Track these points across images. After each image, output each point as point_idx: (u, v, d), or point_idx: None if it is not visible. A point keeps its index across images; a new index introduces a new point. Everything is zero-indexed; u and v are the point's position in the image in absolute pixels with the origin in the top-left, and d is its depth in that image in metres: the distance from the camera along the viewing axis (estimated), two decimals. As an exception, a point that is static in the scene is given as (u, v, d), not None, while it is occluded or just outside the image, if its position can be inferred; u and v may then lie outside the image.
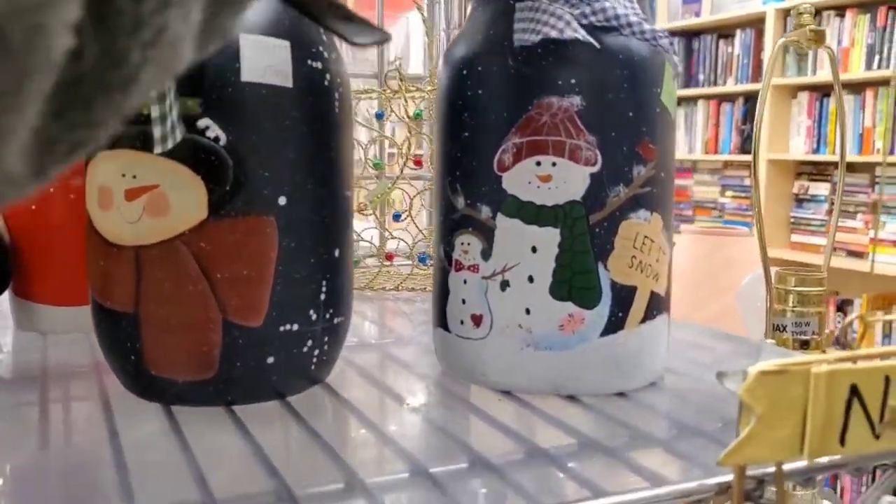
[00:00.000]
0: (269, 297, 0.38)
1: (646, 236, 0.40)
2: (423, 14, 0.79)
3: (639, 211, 0.40)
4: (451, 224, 0.43)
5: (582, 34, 0.38)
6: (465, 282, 0.42)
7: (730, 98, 3.31)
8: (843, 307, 2.85)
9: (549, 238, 0.40)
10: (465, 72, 0.42)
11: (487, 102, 0.41)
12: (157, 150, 0.34)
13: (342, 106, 0.40)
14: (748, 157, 3.16)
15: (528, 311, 0.40)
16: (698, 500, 0.30)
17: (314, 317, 0.40)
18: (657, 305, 0.42)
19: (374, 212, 0.68)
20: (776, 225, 3.06)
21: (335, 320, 0.41)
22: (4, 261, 0.52)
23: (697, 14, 3.37)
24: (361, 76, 0.78)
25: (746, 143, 3.25)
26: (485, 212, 0.41)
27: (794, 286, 0.67)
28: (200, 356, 0.37)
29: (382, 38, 0.31)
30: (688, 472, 0.33)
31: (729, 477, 0.31)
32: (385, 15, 0.89)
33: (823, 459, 0.33)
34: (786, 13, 2.99)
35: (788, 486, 0.51)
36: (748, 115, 3.28)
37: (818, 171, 3.07)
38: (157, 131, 0.34)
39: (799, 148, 3.03)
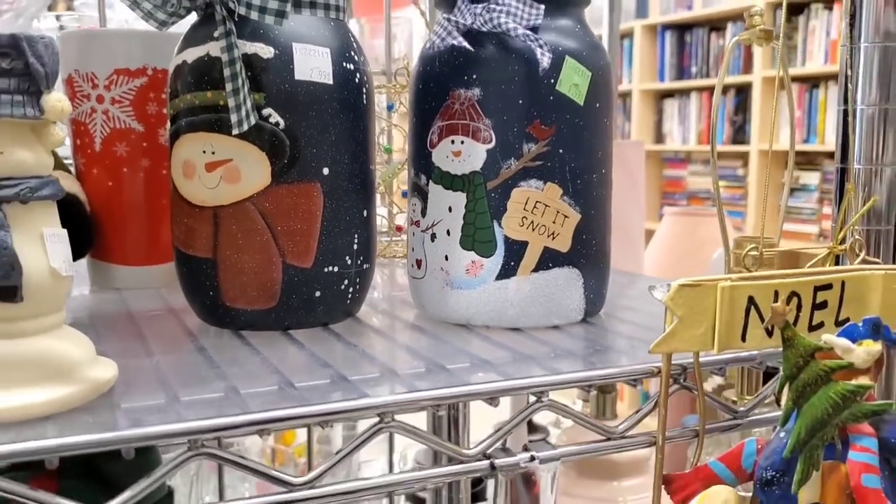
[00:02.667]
0: (317, 245, 0.49)
1: (538, 201, 0.50)
2: (424, 16, 0.90)
3: (530, 180, 0.50)
4: (410, 189, 0.55)
5: (458, 41, 0.49)
6: (413, 234, 0.55)
7: (722, 90, 3.42)
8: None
9: (459, 200, 0.51)
10: (418, 70, 0.54)
11: (425, 94, 0.53)
12: (235, 131, 0.46)
13: (368, 98, 0.52)
14: (742, 148, 3.27)
15: (446, 258, 0.52)
16: (635, 380, 0.42)
17: (349, 262, 0.51)
18: (554, 259, 0.51)
19: (385, 190, 0.79)
20: (768, 214, 3.16)
21: (364, 266, 0.53)
22: (88, 228, 0.63)
23: (690, 7, 3.47)
24: (373, 73, 0.89)
25: (739, 134, 3.36)
26: (422, 179, 0.53)
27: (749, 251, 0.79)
28: (265, 290, 0.49)
29: None
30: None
31: (659, 364, 0.42)
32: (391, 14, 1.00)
33: (732, 354, 0.44)
34: (776, 6, 3.10)
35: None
36: (740, 107, 3.38)
37: (808, 160, 3.17)
38: (234, 117, 0.46)
39: (789, 138, 3.14)
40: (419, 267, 0.54)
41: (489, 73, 0.50)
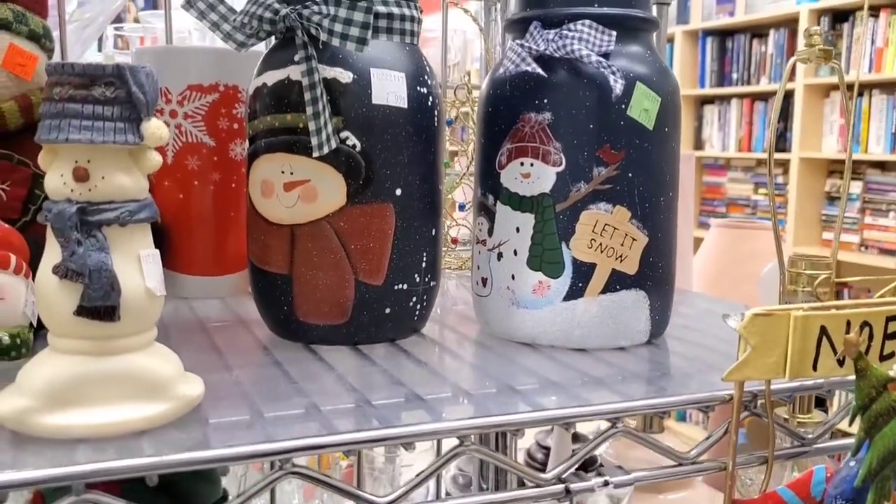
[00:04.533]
0: (388, 263, 0.50)
1: (607, 224, 0.51)
2: (477, 22, 0.91)
3: (599, 203, 0.50)
4: (476, 208, 0.56)
5: (532, 67, 0.50)
6: (479, 252, 0.55)
7: (763, 97, 3.39)
8: (872, 302, 2.91)
9: (527, 221, 0.52)
10: (487, 93, 0.55)
11: (494, 117, 0.53)
12: (316, 154, 0.47)
13: (439, 121, 0.53)
14: (783, 156, 3.24)
15: (513, 277, 0.53)
16: (707, 406, 0.42)
17: (418, 279, 0.52)
18: (622, 282, 0.51)
19: (447, 207, 0.80)
20: (808, 222, 3.13)
21: (431, 283, 0.54)
22: (159, 239, 0.65)
23: (731, 14, 3.44)
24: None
25: (780, 142, 3.32)
26: (490, 200, 0.54)
27: (805, 269, 0.79)
28: (338, 306, 0.50)
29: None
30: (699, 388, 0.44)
31: (731, 391, 0.42)
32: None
33: (805, 382, 0.45)
34: (820, 13, 3.06)
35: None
36: (781, 114, 3.35)
37: (851, 169, 3.13)
38: (314, 140, 0.47)
39: (831, 146, 3.10)
40: (484, 285, 0.55)
41: (560, 97, 0.50)
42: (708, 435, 0.43)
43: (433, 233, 0.53)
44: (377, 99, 0.49)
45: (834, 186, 3.14)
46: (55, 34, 0.58)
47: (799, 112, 3.11)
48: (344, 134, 0.49)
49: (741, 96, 3.47)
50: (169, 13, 0.76)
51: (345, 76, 0.48)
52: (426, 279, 0.53)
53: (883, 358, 0.44)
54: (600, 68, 0.49)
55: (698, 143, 3.66)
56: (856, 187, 3.10)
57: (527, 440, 1.06)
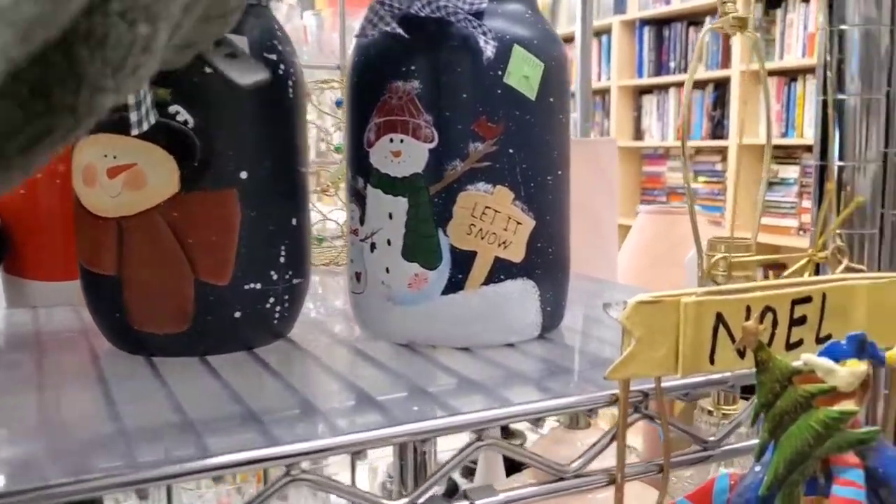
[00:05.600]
0: (234, 259, 0.44)
1: (487, 206, 0.45)
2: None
3: (477, 183, 0.44)
4: (348, 194, 0.49)
5: (391, 27, 0.43)
6: (352, 244, 0.49)
7: (700, 85, 3.38)
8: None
9: (400, 206, 0.45)
10: (353, 61, 0.48)
11: (361, 88, 0.47)
12: (134, 132, 0.40)
13: (296, 92, 0.46)
14: (720, 143, 3.24)
15: (387, 270, 0.46)
16: (591, 410, 0.36)
17: (275, 277, 0.45)
18: (507, 271, 0.46)
19: (336, 192, 0.73)
20: (749, 207, 3.13)
21: (294, 281, 0.47)
22: (0, 242, 0.57)
23: (668, 2, 3.43)
24: (326, 67, 0.84)
25: (717, 129, 3.32)
26: (360, 182, 0.47)
27: (723, 252, 0.74)
28: (176, 311, 0.43)
29: (263, 80, 0.33)
30: (583, 388, 0.39)
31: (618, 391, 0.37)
32: (352, 12, 0.95)
33: (700, 377, 0.39)
34: (753, 0, 3.06)
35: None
36: (718, 102, 3.35)
37: (787, 154, 3.14)
38: (133, 116, 0.40)
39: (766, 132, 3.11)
40: (359, 280, 0.49)
41: (429, 63, 0.44)
42: (594, 442, 0.37)
43: (294, 222, 0.47)
44: (212, 67, 0.42)
45: (772, 171, 3.15)
46: None
47: (736, 99, 3.10)
48: (173, 108, 0.42)
49: (679, 85, 3.47)
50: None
51: (172, 42, 0.41)
52: (286, 276, 0.46)
53: (790, 347, 0.38)
54: (469, 28, 0.43)
55: (638, 134, 3.65)
56: (793, 171, 3.12)
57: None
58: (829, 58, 0.41)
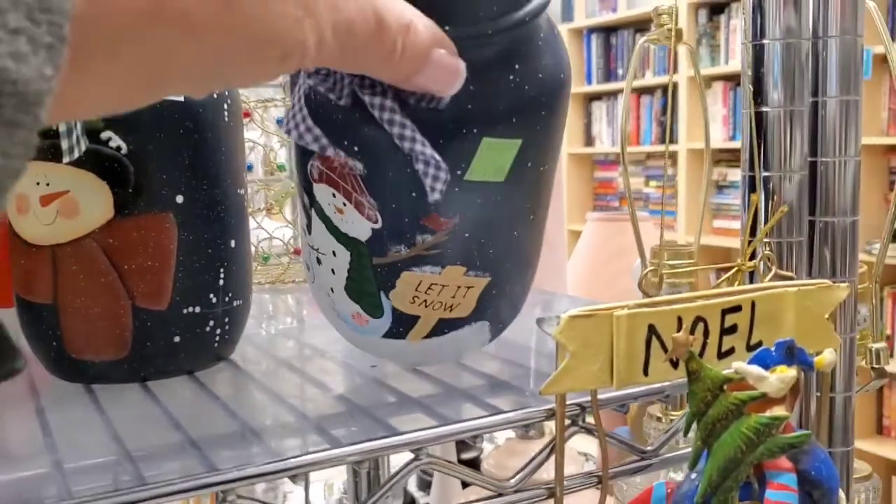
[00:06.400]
0: (172, 283, 0.43)
1: (433, 283, 0.40)
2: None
3: (424, 267, 0.40)
4: (300, 202, 0.44)
5: (318, 141, 0.38)
6: (303, 245, 0.45)
7: (649, 90, 3.43)
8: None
9: (344, 254, 0.41)
10: (299, 92, 0.40)
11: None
12: (66, 159, 0.40)
13: (231, 114, 0.46)
14: (671, 148, 3.29)
15: (332, 290, 0.43)
16: (527, 425, 0.37)
17: (214, 300, 0.45)
18: (452, 326, 0.42)
19: (280, 211, 0.73)
20: (698, 211, 3.18)
21: (234, 303, 0.47)
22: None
23: (614, 10, 3.48)
24: (270, 86, 0.83)
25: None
26: (306, 200, 0.42)
27: (667, 260, 0.75)
28: (114, 338, 0.43)
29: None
30: (521, 403, 0.39)
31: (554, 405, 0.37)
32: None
33: (637, 389, 0.40)
34: (697, 6, 3.12)
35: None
36: (667, 107, 3.40)
37: (735, 157, 3.20)
38: (64, 143, 0.40)
39: (716, 136, 3.16)
40: (309, 269, 0.45)
41: (375, 153, 0.37)
42: (533, 457, 0.38)
43: (232, 244, 0.46)
44: (143, 92, 0.42)
45: (721, 175, 3.20)
46: None
47: (684, 104, 3.16)
48: (106, 134, 0.41)
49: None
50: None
51: (102, 67, 0.41)
52: (226, 299, 0.46)
53: (722, 356, 0.39)
54: (418, 160, 0.36)
55: (588, 140, 3.69)
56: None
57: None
58: (750, 71, 0.42)
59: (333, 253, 0.42)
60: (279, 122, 0.73)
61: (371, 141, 0.37)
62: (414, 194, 0.38)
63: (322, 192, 0.41)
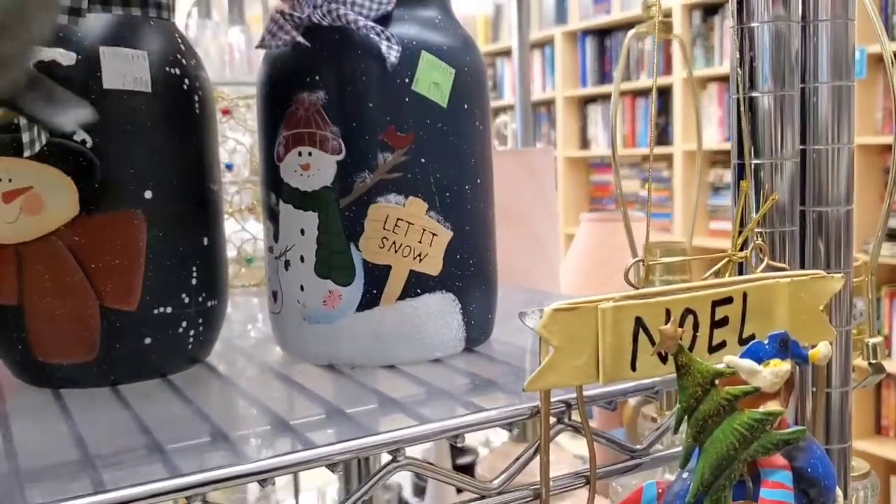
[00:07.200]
0: (142, 283, 0.42)
1: (399, 218, 0.43)
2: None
3: (388, 195, 0.43)
4: (263, 211, 0.48)
5: (291, 35, 0.42)
6: (268, 263, 0.47)
7: (644, 93, 3.42)
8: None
9: (311, 221, 0.44)
10: (262, 74, 0.46)
11: (270, 101, 0.45)
12: (27, 153, 0.38)
13: (203, 106, 0.45)
14: (665, 149, 3.28)
15: (302, 288, 0.45)
16: (510, 423, 0.35)
17: (187, 300, 0.44)
18: (423, 284, 0.44)
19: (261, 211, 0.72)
20: (691, 215, 3.16)
21: (209, 303, 0.45)
22: None
23: (608, 12, 3.47)
24: (251, 84, 0.82)
25: (662, 136, 3.36)
26: (272, 198, 0.46)
27: (660, 257, 0.74)
28: (82, 340, 0.41)
29: (85, 118, 0.29)
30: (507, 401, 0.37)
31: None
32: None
33: (625, 384, 0.39)
34: (691, 7, 3.11)
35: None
36: (662, 109, 3.39)
37: (729, 158, 3.19)
38: (25, 136, 0.38)
39: (712, 138, 3.15)
40: (276, 300, 0.47)
41: (333, 73, 0.43)
42: (517, 457, 0.36)
43: (205, 242, 0.45)
44: (109, 83, 0.40)
45: (717, 177, 3.19)
46: None
47: (679, 106, 3.14)
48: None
49: (622, 93, 3.50)
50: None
51: (66, 57, 0.40)
52: (199, 299, 0.44)
53: (713, 349, 0.38)
54: (372, 35, 0.41)
55: (584, 143, 3.68)
56: (737, 176, 3.16)
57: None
58: (738, 55, 0.41)
59: (301, 231, 0.44)
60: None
61: (331, 63, 0.43)
62: (371, 105, 0.43)
63: (287, 164, 0.44)
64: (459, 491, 1.15)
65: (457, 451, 1.28)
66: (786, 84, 0.41)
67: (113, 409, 0.40)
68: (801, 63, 0.42)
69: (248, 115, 0.75)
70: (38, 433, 0.37)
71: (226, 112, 0.68)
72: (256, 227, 0.76)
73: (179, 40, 0.44)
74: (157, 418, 0.38)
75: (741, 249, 0.41)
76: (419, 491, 1.27)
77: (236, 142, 0.72)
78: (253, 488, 1.23)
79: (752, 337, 0.38)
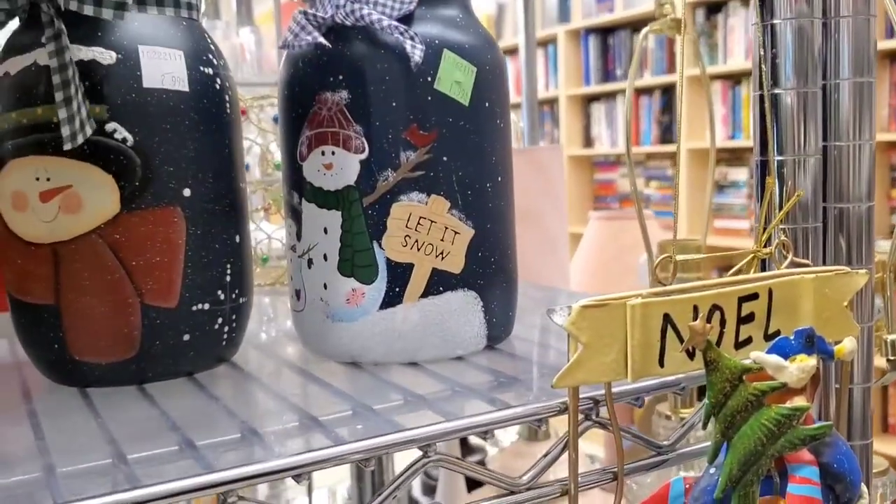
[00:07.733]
0: (181, 279, 0.42)
1: (422, 216, 0.44)
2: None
3: (411, 193, 0.44)
4: (285, 210, 0.48)
5: (313, 36, 0.43)
6: (290, 261, 0.48)
7: (648, 91, 3.42)
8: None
9: (335, 219, 0.45)
10: (283, 75, 0.47)
11: (292, 101, 0.46)
12: (67, 146, 0.39)
13: (232, 107, 0.45)
14: (670, 148, 3.28)
15: (325, 287, 0.45)
16: (539, 420, 0.36)
17: (222, 296, 0.44)
18: (446, 282, 0.45)
19: (279, 211, 0.72)
20: (699, 211, 3.17)
21: (240, 300, 0.46)
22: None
23: (611, 10, 3.47)
24: (266, 84, 0.82)
25: (667, 134, 3.37)
26: (295, 198, 0.47)
27: (677, 254, 0.74)
28: (122, 338, 0.42)
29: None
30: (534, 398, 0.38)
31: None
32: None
33: (652, 381, 0.39)
34: (694, 5, 3.12)
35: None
36: (666, 107, 3.39)
37: (735, 156, 3.19)
38: (65, 130, 0.39)
39: (715, 135, 3.14)
40: (298, 298, 0.47)
41: (356, 72, 0.43)
42: (545, 453, 0.37)
43: (237, 240, 0.46)
44: (149, 82, 0.41)
45: (721, 174, 3.19)
46: None
47: (684, 103, 3.14)
48: (111, 126, 0.40)
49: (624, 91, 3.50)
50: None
51: (106, 56, 0.40)
52: (233, 295, 0.45)
53: (739, 345, 0.38)
54: (395, 34, 0.42)
55: (588, 142, 3.68)
56: (743, 174, 3.16)
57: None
58: (762, 52, 0.41)
59: (325, 230, 0.45)
60: (275, 120, 0.72)
61: (354, 62, 0.43)
62: (394, 104, 0.43)
63: (310, 164, 0.45)
64: (471, 489, 1.15)
65: (466, 449, 1.28)
66: (808, 81, 0.41)
67: (141, 408, 0.40)
68: (822, 59, 0.43)
69: (262, 115, 0.75)
70: (68, 431, 0.37)
71: (243, 112, 0.69)
72: (269, 228, 0.76)
73: (209, 40, 0.45)
74: (185, 416, 0.38)
75: (765, 246, 0.41)
76: (429, 490, 1.27)
77: (252, 142, 0.72)
78: (261, 487, 1.24)
79: (778, 333, 0.39)
